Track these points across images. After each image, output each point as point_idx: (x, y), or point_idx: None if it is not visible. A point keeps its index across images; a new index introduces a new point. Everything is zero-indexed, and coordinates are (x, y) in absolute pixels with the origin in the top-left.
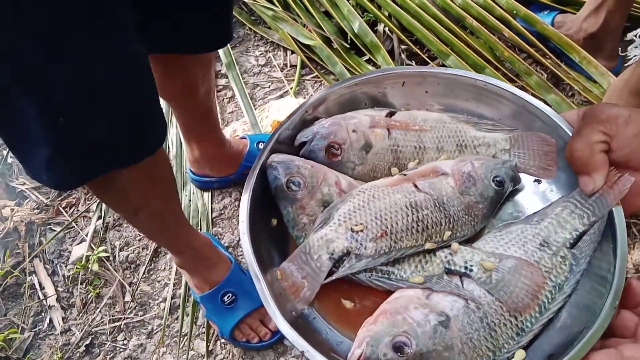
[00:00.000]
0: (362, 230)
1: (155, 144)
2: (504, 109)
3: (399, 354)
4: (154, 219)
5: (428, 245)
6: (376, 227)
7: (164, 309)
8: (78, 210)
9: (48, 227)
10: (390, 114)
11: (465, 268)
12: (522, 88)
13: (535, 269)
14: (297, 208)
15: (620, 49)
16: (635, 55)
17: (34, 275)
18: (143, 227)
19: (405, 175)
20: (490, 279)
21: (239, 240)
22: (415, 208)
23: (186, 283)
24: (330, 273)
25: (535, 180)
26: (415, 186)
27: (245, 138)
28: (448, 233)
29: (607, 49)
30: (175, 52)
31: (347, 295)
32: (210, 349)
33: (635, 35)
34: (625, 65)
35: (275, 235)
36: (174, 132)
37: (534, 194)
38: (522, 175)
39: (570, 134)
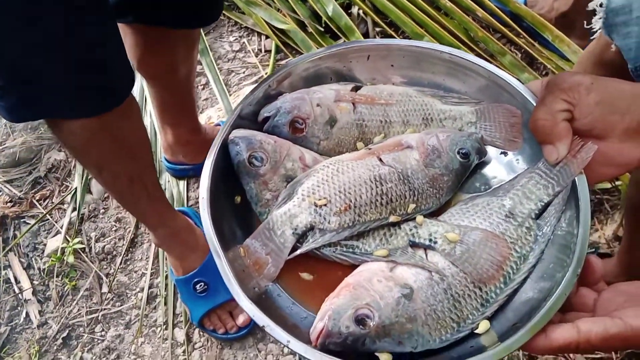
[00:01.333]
0: (325, 205)
1: (110, 102)
2: (470, 82)
3: (361, 326)
4: (119, 182)
5: (392, 219)
6: (340, 200)
7: (142, 299)
8: (52, 202)
9: (22, 220)
10: (356, 88)
11: (430, 240)
12: None
13: (501, 240)
14: (260, 184)
15: (585, 22)
16: (599, 28)
17: (8, 269)
18: (110, 189)
19: (370, 149)
20: (454, 250)
21: None
22: (379, 181)
23: (164, 272)
24: (294, 248)
25: (501, 153)
26: (380, 160)
27: (220, 125)
28: (412, 206)
29: (579, 27)
30: (160, 25)
31: (311, 271)
32: (189, 337)
33: (597, 5)
34: (591, 38)
35: (239, 212)
36: (148, 120)
37: (501, 166)
38: (489, 148)
39: None
